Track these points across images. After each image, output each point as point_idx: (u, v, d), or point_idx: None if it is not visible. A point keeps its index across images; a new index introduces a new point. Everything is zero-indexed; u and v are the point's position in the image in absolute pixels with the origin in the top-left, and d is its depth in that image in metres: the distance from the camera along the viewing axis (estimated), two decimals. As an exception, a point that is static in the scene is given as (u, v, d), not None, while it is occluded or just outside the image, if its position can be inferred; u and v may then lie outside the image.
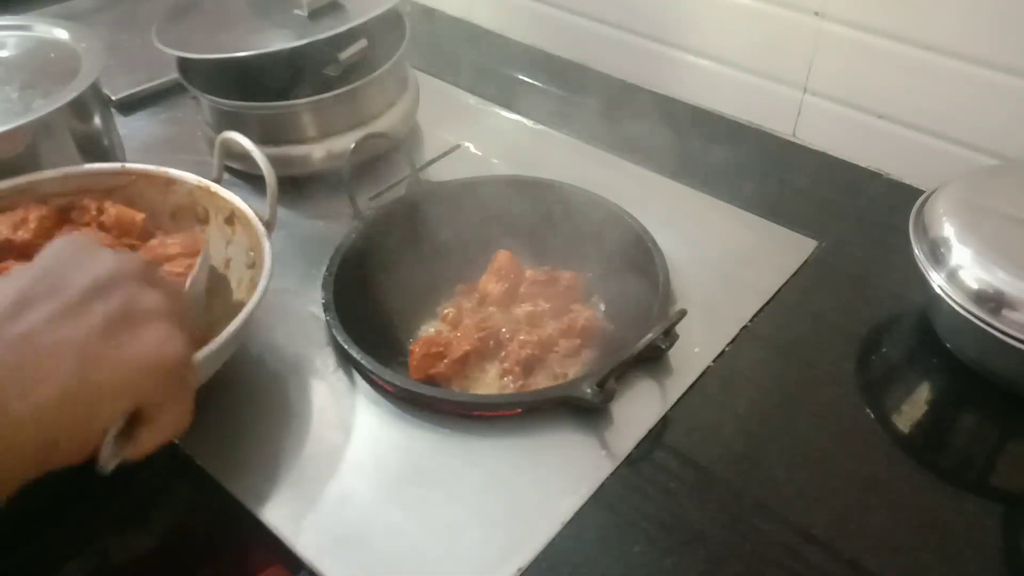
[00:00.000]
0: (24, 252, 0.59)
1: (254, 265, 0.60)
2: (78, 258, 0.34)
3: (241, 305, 0.53)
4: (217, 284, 0.61)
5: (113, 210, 0.63)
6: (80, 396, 0.30)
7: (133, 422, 0.34)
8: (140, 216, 0.63)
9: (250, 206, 0.61)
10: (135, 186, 0.65)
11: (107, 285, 0.33)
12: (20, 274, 0.33)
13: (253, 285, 0.56)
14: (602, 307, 0.66)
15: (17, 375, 0.29)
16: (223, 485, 0.51)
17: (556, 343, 0.60)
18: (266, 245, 0.58)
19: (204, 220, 0.65)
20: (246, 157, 0.72)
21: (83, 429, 0.31)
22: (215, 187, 0.64)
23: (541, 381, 0.59)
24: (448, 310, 0.66)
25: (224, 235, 0.64)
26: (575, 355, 0.61)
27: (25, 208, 0.61)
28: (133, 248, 0.62)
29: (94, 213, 0.63)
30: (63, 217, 0.63)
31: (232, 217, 0.63)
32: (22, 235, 0.59)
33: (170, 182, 0.65)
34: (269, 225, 0.61)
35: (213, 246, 0.65)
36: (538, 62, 0.97)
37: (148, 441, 0.34)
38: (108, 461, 0.33)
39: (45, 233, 0.60)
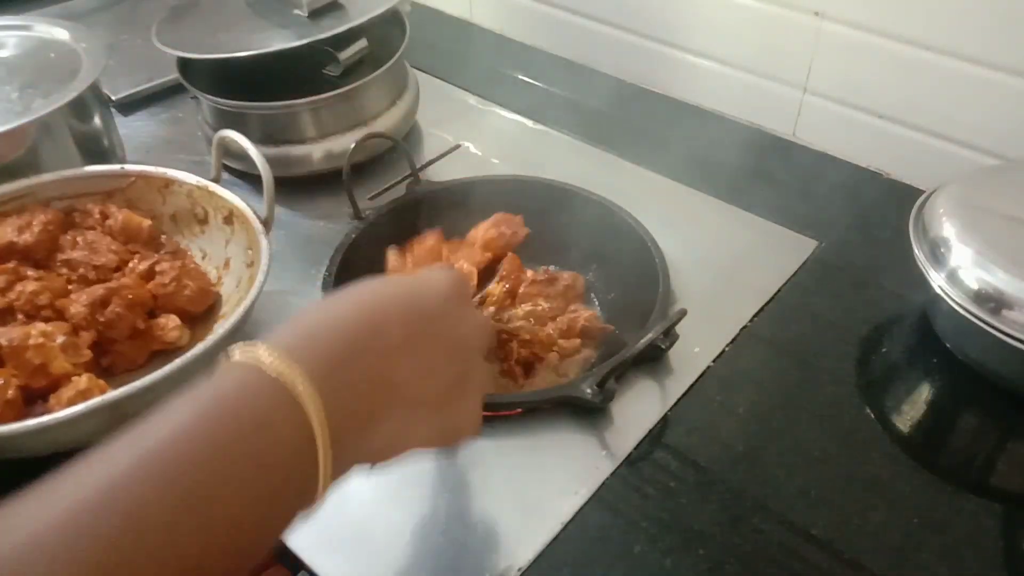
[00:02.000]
0: (27, 255, 0.59)
1: (253, 264, 0.60)
2: (461, 309, 0.39)
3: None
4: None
5: (120, 215, 0.63)
6: (408, 436, 0.36)
7: None
8: (147, 223, 0.64)
9: (249, 205, 0.62)
10: (135, 188, 0.65)
11: (463, 351, 0.38)
12: (400, 289, 0.37)
13: (252, 283, 0.56)
14: (602, 307, 0.66)
15: (362, 419, 0.34)
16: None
17: (556, 343, 0.60)
18: (263, 243, 0.58)
19: (203, 221, 0.65)
20: (245, 157, 0.72)
21: (400, 452, 0.37)
22: (213, 187, 0.64)
23: (541, 382, 0.59)
24: None
25: (223, 234, 0.64)
26: (575, 355, 0.61)
27: (30, 212, 0.61)
28: (139, 255, 0.62)
29: (97, 217, 0.63)
30: (68, 221, 0.63)
31: (231, 216, 0.63)
32: (26, 239, 0.59)
33: (169, 183, 0.65)
34: (267, 223, 0.61)
35: (213, 246, 0.65)
36: (538, 62, 0.97)
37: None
38: None
39: (49, 237, 0.60)
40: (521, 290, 0.64)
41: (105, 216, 0.63)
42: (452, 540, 0.48)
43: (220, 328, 0.52)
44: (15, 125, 0.63)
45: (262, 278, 0.55)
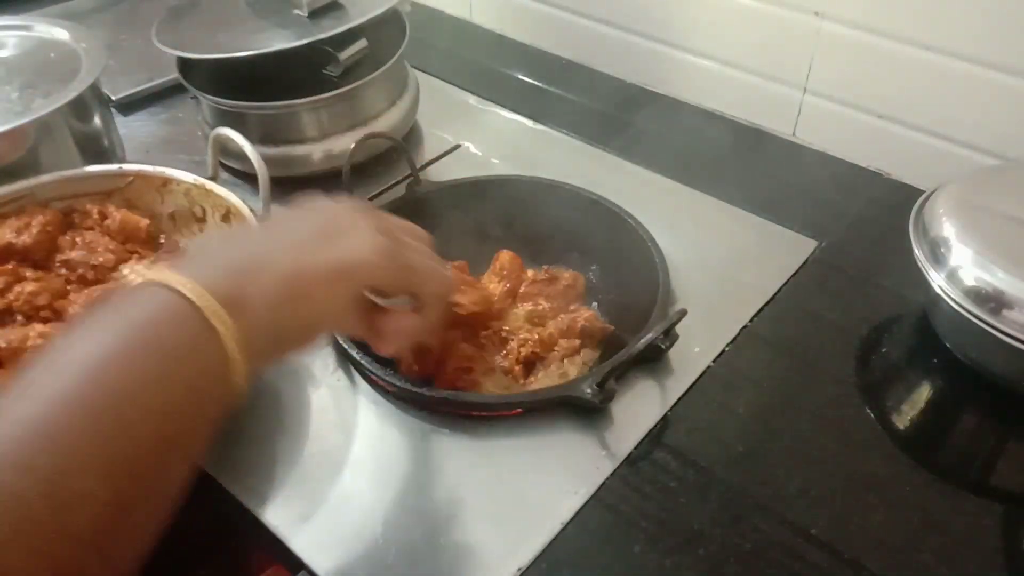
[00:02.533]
0: (26, 256, 0.59)
1: None
2: (309, 202, 0.44)
3: None
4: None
5: (118, 215, 0.63)
6: (295, 284, 0.38)
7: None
8: (145, 222, 0.64)
9: (246, 203, 0.62)
10: (133, 188, 0.65)
11: (326, 212, 0.42)
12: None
13: None
14: (602, 307, 0.66)
15: (249, 274, 0.37)
16: (223, 485, 0.51)
17: (556, 343, 0.60)
18: None
19: (202, 219, 0.65)
20: (244, 156, 0.72)
21: (307, 310, 0.39)
22: (211, 185, 0.64)
23: (541, 381, 0.59)
24: None
25: None
26: (575, 355, 0.61)
27: (29, 213, 0.61)
28: (137, 254, 0.62)
29: (96, 217, 0.63)
30: (67, 221, 0.63)
31: (228, 214, 0.63)
32: (24, 240, 0.59)
33: (167, 182, 0.65)
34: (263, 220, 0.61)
35: None
36: (538, 62, 0.97)
37: (428, 313, 0.45)
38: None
39: (48, 237, 0.60)
40: (521, 289, 0.64)
41: (104, 216, 0.63)
42: (452, 540, 0.48)
43: None
44: (15, 125, 0.63)
45: None
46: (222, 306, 0.35)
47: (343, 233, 0.41)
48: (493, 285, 0.65)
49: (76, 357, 0.32)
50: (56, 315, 0.57)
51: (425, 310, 0.46)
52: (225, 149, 0.68)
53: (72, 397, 0.30)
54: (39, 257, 0.60)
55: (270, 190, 0.62)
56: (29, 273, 0.58)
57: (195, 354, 0.34)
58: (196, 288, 0.35)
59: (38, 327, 0.54)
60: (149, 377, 0.32)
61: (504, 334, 0.61)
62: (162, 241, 0.66)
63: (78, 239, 0.61)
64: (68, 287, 0.59)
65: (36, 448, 0.29)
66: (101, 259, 0.60)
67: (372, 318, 0.45)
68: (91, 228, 0.63)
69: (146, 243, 0.64)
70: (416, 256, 0.45)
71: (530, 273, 0.65)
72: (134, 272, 0.37)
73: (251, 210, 0.61)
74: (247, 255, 0.38)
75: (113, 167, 0.65)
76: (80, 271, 0.59)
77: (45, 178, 0.63)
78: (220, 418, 0.35)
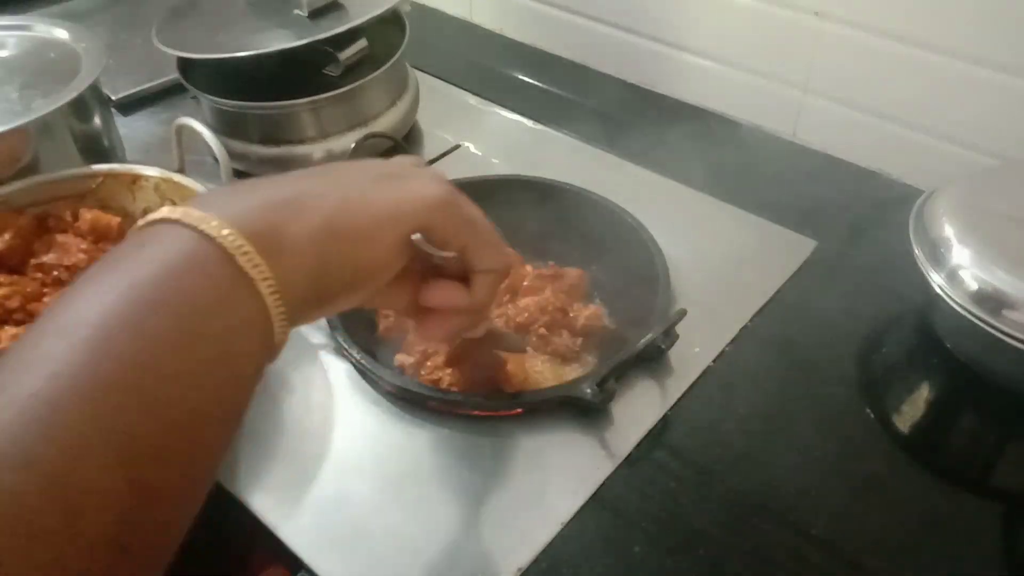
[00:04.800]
0: (1, 263, 0.60)
1: None
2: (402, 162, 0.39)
3: None
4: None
5: (89, 215, 0.63)
6: (342, 223, 0.32)
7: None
8: (116, 220, 0.64)
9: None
10: (105, 188, 0.65)
11: (384, 163, 0.38)
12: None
13: None
14: (603, 307, 0.66)
15: (289, 209, 0.31)
16: (223, 485, 0.51)
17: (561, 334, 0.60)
18: None
19: None
20: (247, 157, 0.72)
21: (356, 253, 0.33)
22: (178, 177, 0.64)
23: (541, 381, 0.58)
24: None
25: None
26: (575, 358, 0.61)
27: (2, 220, 0.61)
28: None
29: (70, 219, 0.63)
30: (42, 226, 0.63)
31: None
32: None
33: (136, 179, 0.65)
34: None
35: None
36: (538, 62, 0.97)
37: (481, 272, 0.39)
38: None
39: (22, 243, 0.61)
40: (525, 283, 0.64)
41: (76, 218, 0.64)
42: (452, 540, 0.48)
43: None
44: (15, 125, 0.63)
45: None
46: (255, 246, 0.29)
47: (403, 176, 0.36)
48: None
49: (79, 319, 0.26)
50: (30, 317, 0.57)
51: (477, 282, 0.39)
52: (229, 150, 0.68)
53: (75, 370, 0.25)
54: (14, 263, 0.60)
55: (232, 178, 0.62)
56: (3, 278, 0.58)
57: (223, 306, 0.28)
58: (221, 225, 0.29)
59: (11, 329, 0.54)
60: (167, 339, 0.27)
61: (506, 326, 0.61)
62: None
63: (51, 243, 0.61)
64: (44, 290, 0.59)
65: (35, 436, 0.23)
66: (74, 260, 0.60)
67: (417, 286, 0.40)
68: (65, 231, 0.63)
69: (119, 241, 0.64)
70: (480, 218, 0.39)
71: (529, 268, 0.65)
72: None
73: None
74: (287, 190, 0.32)
75: (83, 168, 0.65)
76: (55, 273, 0.60)
77: (17, 185, 0.63)
78: (257, 379, 0.30)
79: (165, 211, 0.30)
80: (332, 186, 0.33)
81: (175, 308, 0.27)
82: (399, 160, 0.39)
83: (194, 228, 0.29)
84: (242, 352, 0.29)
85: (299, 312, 0.32)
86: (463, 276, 0.40)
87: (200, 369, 0.27)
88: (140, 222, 0.31)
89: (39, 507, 0.23)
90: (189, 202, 0.30)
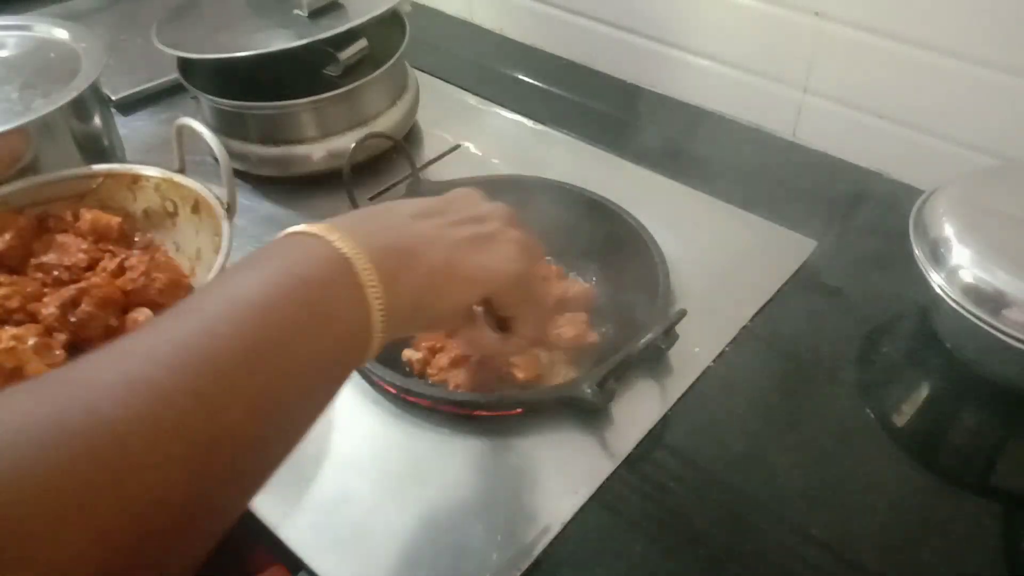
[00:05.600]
0: (1, 263, 0.60)
1: (219, 250, 0.61)
2: (468, 199, 0.46)
3: None
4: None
5: (89, 215, 0.63)
6: (440, 278, 0.39)
7: (503, 325, 0.48)
8: (116, 220, 0.64)
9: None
10: (105, 188, 0.65)
11: (483, 216, 0.44)
12: (424, 199, 0.44)
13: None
14: (602, 307, 0.66)
15: (406, 256, 0.38)
16: (223, 485, 0.51)
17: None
18: (225, 226, 0.59)
19: (174, 213, 0.66)
20: (247, 157, 0.72)
21: (441, 303, 0.40)
22: (178, 177, 0.64)
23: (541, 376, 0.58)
24: None
25: (193, 224, 0.64)
26: (575, 360, 0.60)
27: (2, 220, 0.61)
28: (109, 253, 0.62)
29: (70, 219, 0.63)
30: (42, 227, 0.63)
31: (197, 205, 0.63)
32: None
33: (136, 179, 0.65)
34: (230, 208, 0.61)
35: (184, 238, 0.65)
36: (538, 62, 0.97)
37: (518, 336, 0.48)
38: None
39: (21, 243, 0.61)
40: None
41: (76, 218, 0.63)
42: (452, 540, 0.48)
43: None
44: (15, 125, 0.63)
45: (222, 259, 0.56)
46: (379, 279, 0.36)
47: (494, 240, 0.43)
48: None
49: (242, 294, 0.32)
50: (30, 317, 0.57)
51: (510, 339, 0.48)
52: (229, 150, 0.68)
53: (239, 331, 0.31)
54: (14, 263, 0.60)
55: (233, 179, 0.62)
56: (3, 278, 0.58)
57: (347, 314, 0.35)
58: (359, 254, 0.36)
59: (11, 330, 0.54)
60: (306, 328, 0.33)
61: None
62: (136, 240, 0.66)
63: (51, 243, 0.61)
64: (44, 290, 0.59)
65: (203, 375, 0.29)
66: (74, 260, 0.60)
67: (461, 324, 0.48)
68: (65, 231, 0.63)
69: (119, 241, 0.64)
70: (540, 297, 0.49)
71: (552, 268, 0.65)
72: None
73: (217, 198, 0.61)
74: (408, 238, 0.40)
75: (83, 168, 0.65)
76: (56, 273, 0.60)
77: (17, 185, 0.63)
78: (346, 381, 0.37)
79: (316, 228, 0.37)
80: (440, 240, 0.40)
81: (317, 305, 0.34)
82: (495, 212, 0.45)
83: (339, 250, 0.36)
84: (349, 354, 0.36)
85: (388, 338, 0.38)
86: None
87: (319, 359, 0.34)
88: (286, 231, 0.38)
89: (198, 434, 0.28)
90: (334, 225, 0.37)
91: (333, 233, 0.36)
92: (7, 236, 0.60)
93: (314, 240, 0.36)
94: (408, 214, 0.42)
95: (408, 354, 0.60)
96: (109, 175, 0.65)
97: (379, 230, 0.39)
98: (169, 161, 0.66)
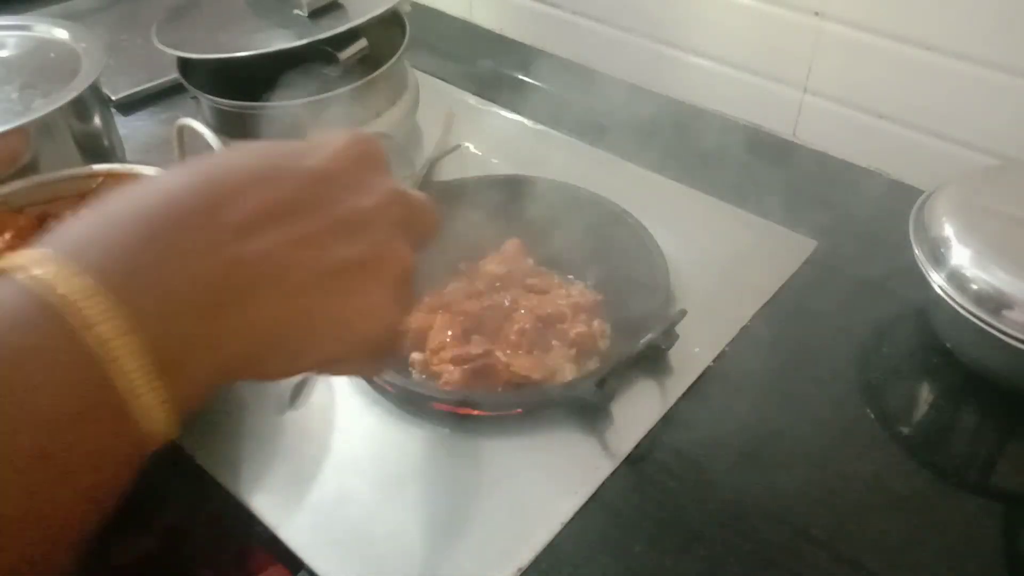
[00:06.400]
0: None
1: None
2: (360, 174, 0.30)
3: None
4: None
5: None
6: (288, 330, 0.27)
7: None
8: None
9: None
10: (105, 188, 0.65)
11: (362, 225, 0.29)
12: (298, 170, 0.29)
13: None
14: (602, 307, 0.66)
15: (243, 288, 0.26)
16: (223, 485, 0.51)
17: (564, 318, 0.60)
18: None
19: None
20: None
21: (284, 360, 0.28)
22: None
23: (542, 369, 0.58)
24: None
25: None
26: (575, 359, 0.60)
27: (2, 221, 0.61)
28: None
29: (70, 219, 0.63)
30: (42, 226, 0.63)
31: None
32: None
33: (136, 178, 0.65)
34: None
35: None
36: (538, 62, 0.97)
37: (338, 374, 0.36)
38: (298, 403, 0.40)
39: (20, 244, 0.60)
40: (529, 280, 0.64)
41: None
42: (452, 540, 0.48)
43: None
44: (15, 125, 0.63)
45: None
46: (113, 294, 0.22)
47: (365, 269, 0.29)
48: (493, 267, 0.65)
49: None
50: None
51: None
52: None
53: None
54: None
55: None
56: None
57: (57, 379, 0.21)
58: (65, 267, 0.22)
59: None
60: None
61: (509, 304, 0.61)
62: None
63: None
64: None
65: None
66: None
67: None
68: None
69: None
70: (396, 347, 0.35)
71: (529, 265, 0.65)
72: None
73: None
74: (220, 276, 0.25)
75: (83, 168, 0.65)
76: None
77: (17, 185, 0.63)
78: (125, 481, 0.23)
79: (8, 260, 0.23)
80: (285, 276, 0.27)
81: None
82: (382, 208, 0.30)
83: (30, 274, 0.22)
84: (89, 448, 0.22)
85: (188, 383, 0.24)
86: None
87: (12, 478, 0.20)
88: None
89: None
90: (42, 241, 0.24)
91: (22, 254, 0.22)
92: (7, 236, 0.60)
93: (7, 282, 0.22)
94: (235, 223, 0.26)
95: (415, 356, 0.59)
96: (109, 175, 0.65)
97: (159, 262, 0.24)
98: (169, 161, 0.66)
